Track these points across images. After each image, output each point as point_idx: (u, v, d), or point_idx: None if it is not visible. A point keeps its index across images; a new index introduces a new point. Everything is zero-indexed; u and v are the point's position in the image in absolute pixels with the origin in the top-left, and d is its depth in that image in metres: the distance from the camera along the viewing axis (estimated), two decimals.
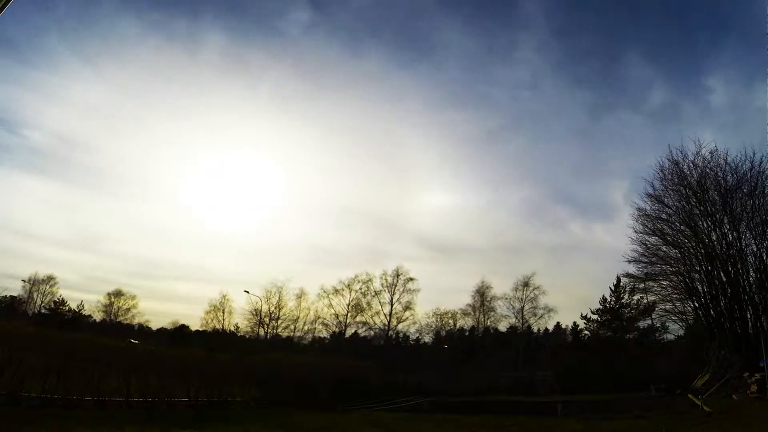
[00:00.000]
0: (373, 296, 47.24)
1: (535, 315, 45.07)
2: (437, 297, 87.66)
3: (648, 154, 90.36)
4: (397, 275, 47.09)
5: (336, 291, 47.18)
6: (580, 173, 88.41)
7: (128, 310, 51.80)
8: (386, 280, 47.31)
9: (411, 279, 46.93)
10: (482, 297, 46.47)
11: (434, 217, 79.86)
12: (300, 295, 47.38)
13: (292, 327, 47.71)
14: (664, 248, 30.37)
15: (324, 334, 49.61)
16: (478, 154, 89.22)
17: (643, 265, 31.53)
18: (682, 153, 28.96)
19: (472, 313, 47.00)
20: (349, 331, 48.58)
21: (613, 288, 42.09)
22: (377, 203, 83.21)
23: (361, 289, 47.36)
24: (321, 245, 76.29)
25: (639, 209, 30.80)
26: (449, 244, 78.63)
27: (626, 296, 41.76)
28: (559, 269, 77.13)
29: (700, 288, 29.09)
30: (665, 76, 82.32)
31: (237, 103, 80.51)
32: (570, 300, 70.90)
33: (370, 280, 47.50)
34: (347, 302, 47.25)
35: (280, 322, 47.45)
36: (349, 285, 47.37)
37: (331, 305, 47.20)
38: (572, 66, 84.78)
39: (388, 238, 76.62)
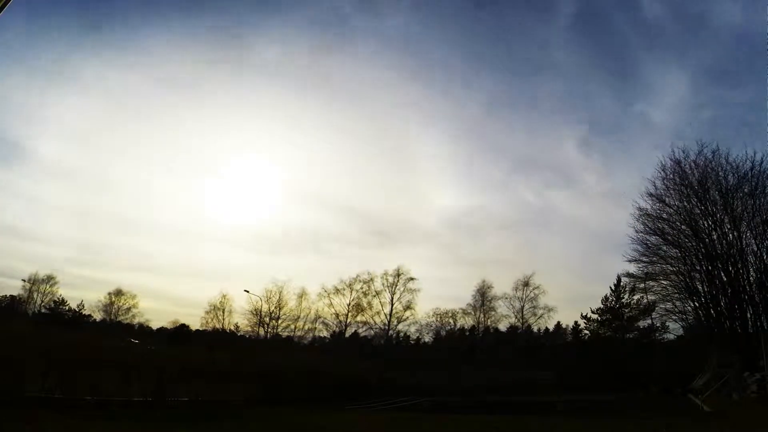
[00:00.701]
0: (374, 296, 47.33)
1: (535, 315, 45.18)
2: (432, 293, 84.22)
3: (593, 89, 69.23)
4: (398, 275, 47.17)
5: (337, 290, 47.30)
6: (500, 114, 72.69)
7: (128, 309, 51.90)
8: (387, 279, 47.40)
9: (411, 279, 47.01)
10: (483, 297, 46.53)
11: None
12: (301, 295, 47.47)
13: (292, 327, 47.78)
14: (664, 248, 30.35)
15: (324, 333, 49.75)
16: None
17: (644, 264, 31.53)
18: (684, 152, 28.95)
19: (473, 312, 47.06)
20: (350, 331, 48.69)
21: (613, 287, 42.27)
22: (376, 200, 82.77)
23: (362, 288, 47.47)
24: (322, 244, 76.19)
25: (640, 209, 30.77)
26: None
27: (626, 296, 41.93)
28: (531, 254, 70.99)
29: (700, 287, 29.09)
30: None
31: (239, 102, 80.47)
32: (557, 292, 69.15)
33: (371, 279, 47.59)
34: (348, 302, 47.36)
35: (280, 321, 47.53)
36: (350, 284, 47.48)
37: (331, 305, 47.31)
38: None
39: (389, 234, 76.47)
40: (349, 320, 47.49)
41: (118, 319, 51.16)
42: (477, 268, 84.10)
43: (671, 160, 29.45)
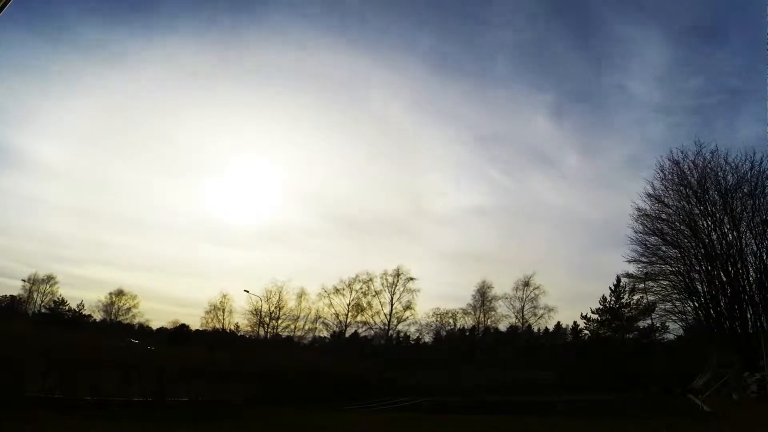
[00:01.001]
0: (374, 296, 47.33)
1: (535, 315, 45.19)
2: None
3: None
4: (398, 275, 47.17)
5: (336, 290, 47.30)
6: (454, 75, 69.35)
7: (129, 309, 51.92)
8: (386, 279, 47.41)
9: (411, 278, 47.03)
10: (483, 297, 46.52)
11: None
12: (301, 295, 47.50)
13: (292, 327, 47.79)
14: (663, 248, 30.35)
15: (324, 333, 49.75)
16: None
17: (643, 265, 31.53)
18: (682, 153, 28.95)
19: (473, 312, 47.06)
20: (350, 331, 48.68)
21: (612, 287, 42.27)
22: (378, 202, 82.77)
23: (361, 288, 47.48)
24: (321, 244, 76.17)
25: (639, 209, 30.79)
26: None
27: (626, 296, 41.94)
28: (530, 252, 70.46)
29: (700, 288, 29.09)
30: None
31: (241, 101, 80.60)
32: (556, 291, 68.55)
33: (371, 279, 47.61)
34: (348, 302, 47.36)
35: (280, 321, 47.54)
36: (349, 284, 47.49)
37: (331, 305, 47.32)
38: None
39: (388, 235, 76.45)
40: (349, 320, 47.55)
41: (118, 320, 51.21)
42: (477, 266, 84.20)
43: (669, 160, 29.50)
